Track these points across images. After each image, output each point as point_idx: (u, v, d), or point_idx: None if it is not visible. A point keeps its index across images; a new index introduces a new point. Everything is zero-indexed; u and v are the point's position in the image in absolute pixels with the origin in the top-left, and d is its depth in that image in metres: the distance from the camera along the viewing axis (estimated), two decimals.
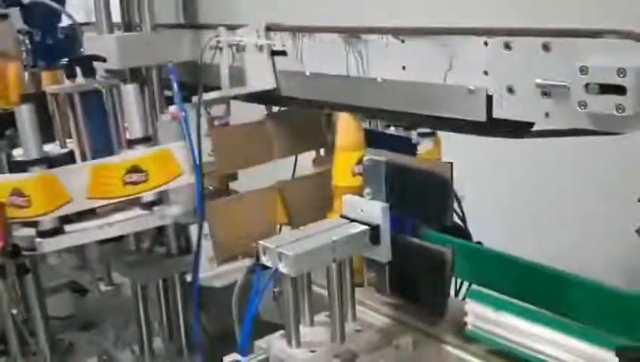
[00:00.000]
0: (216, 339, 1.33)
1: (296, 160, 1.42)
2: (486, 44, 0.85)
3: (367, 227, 0.88)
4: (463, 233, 1.26)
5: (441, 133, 1.38)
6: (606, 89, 0.70)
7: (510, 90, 0.82)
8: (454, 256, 0.91)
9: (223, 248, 1.23)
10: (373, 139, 1.23)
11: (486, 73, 0.85)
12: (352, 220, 0.91)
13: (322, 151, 1.41)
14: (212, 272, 1.22)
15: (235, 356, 0.89)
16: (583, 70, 0.72)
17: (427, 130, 1.38)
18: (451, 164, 0.88)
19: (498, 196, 2.23)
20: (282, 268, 0.82)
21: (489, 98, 0.86)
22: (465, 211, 1.32)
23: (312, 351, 0.85)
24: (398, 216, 0.93)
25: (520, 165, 1.93)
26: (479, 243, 1.17)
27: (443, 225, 0.95)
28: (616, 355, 0.69)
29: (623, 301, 0.80)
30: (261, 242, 0.84)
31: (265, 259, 0.84)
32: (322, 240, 0.84)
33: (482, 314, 0.85)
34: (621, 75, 0.69)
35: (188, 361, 1.44)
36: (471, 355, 0.86)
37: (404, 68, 0.98)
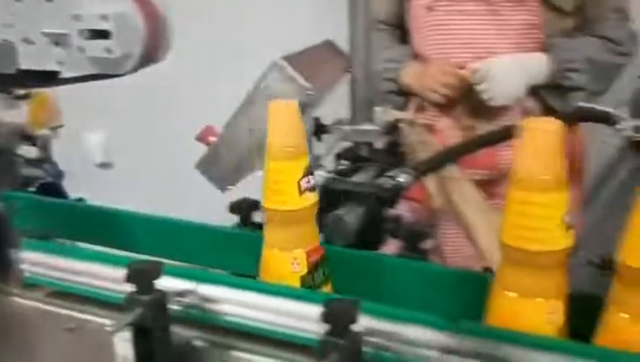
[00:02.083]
0: None
1: None
2: None
3: None
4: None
5: None
6: (96, 34, 0.77)
7: (27, 40, 0.85)
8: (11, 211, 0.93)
9: None
10: None
11: (10, 26, 0.87)
12: None
13: None
14: None
15: None
16: (77, 18, 0.78)
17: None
18: None
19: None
20: None
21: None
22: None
23: None
24: None
25: None
26: (81, 199, 1.22)
27: None
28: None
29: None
30: None
31: None
32: None
33: (38, 261, 0.89)
34: (106, 21, 0.76)
35: None
36: (30, 300, 0.89)
37: None
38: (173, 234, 1.01)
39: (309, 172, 0.79)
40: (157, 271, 0.74)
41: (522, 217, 0.68)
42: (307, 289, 0.80)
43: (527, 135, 0.67)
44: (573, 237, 0.69)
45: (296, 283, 0.80)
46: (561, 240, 0.67)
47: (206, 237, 0.96)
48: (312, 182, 0.80)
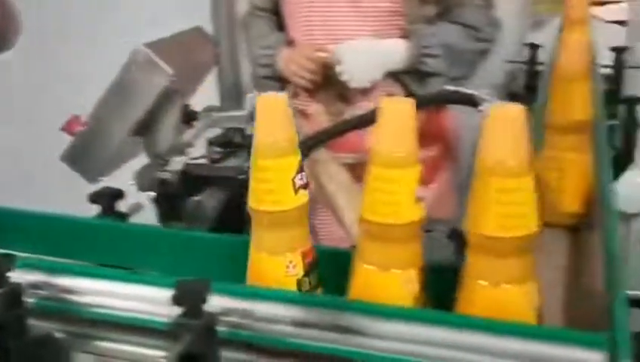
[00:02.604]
0: None
1: None
2: None
3: None
4: None
5: None
6: None
7: None
8: None
9: None
10: None
11: None
12: None
13: None
14: None
15: None
16: None
17: None
18: None
19: None
20: None
21: None
22: None
23: None
24: None
25: None
26: None
27: None
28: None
29: None
30: None
31: None
32: None
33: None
34: None
35: None
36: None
37: None
38: (34, 227, 0.98)
39: (301, 168, 0.75)
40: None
41: (376, 192, 0.71)
42: (305, 293, 0.77)
43: (381, 114, 0.70)
44: (423, 210, 0.72)
45: (292, 287, 0.76)
46: (413, 213, 0.71)
47: (66, 228, 0.94)
48: (305, 179, 0.75)
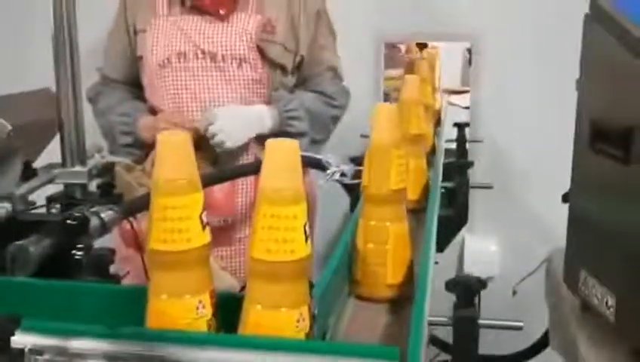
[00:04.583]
0: None
1: None
2: None
3: None
4: None
5: None
6: None
7: None
8: None
9: None
10: None
11: None
12: None
13: None
14: None
15: None
16: None
17: None
18: None
19: None
20: None
21: None
22: None
23: None
24: None
25: None
26: None
27: None
28: None
29: None
30: None
31: None
32: None
33: None
34: None
35: None
36: None
37: None
38: None
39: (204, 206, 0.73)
40: None
41: (269, 230, 0.71)
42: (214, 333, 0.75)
43: (268, 152, 0.71)
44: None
45: (203, 328, 0.74)
46: (305, 249, 0.71)
47: None
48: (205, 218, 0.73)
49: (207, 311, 0.74)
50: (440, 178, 1.58)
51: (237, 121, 1.67)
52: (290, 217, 0.71)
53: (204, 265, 0.75)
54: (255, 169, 1.38)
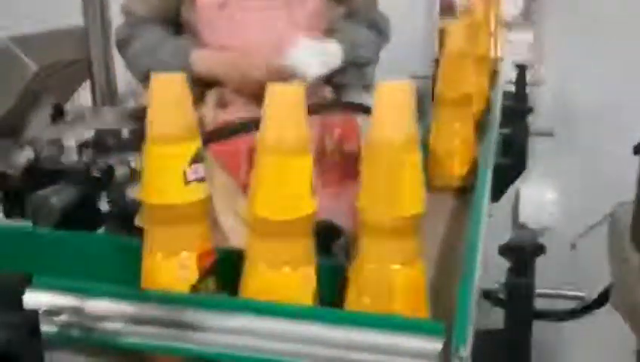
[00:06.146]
0: None
1: None
2: None
3: None
4: None
5: None
6: None
7: None
8: None
9: None
10: None
11: None
12: None
13: None
14: None
15: None
16: None
17: None
18: None
19: None
20: None
21: None
22: None
23: None
24: None
25: None
26: None
27: None
28: None
29: None
30: None
31: None
32: None
33: None
34: None
35: None
36: None
37: None
38: None
39: (198, 159, 0.65)
40: None
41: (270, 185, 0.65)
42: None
43: (268, 98, 0.64)
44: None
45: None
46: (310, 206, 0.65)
47: None
48: (202, 172, 0.65)
49: (192, 275, 0.67)
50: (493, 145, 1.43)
51: (314, 54, 1.61)
52: (295, 169, 0.63)
53: (189, 221, 0.66)
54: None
